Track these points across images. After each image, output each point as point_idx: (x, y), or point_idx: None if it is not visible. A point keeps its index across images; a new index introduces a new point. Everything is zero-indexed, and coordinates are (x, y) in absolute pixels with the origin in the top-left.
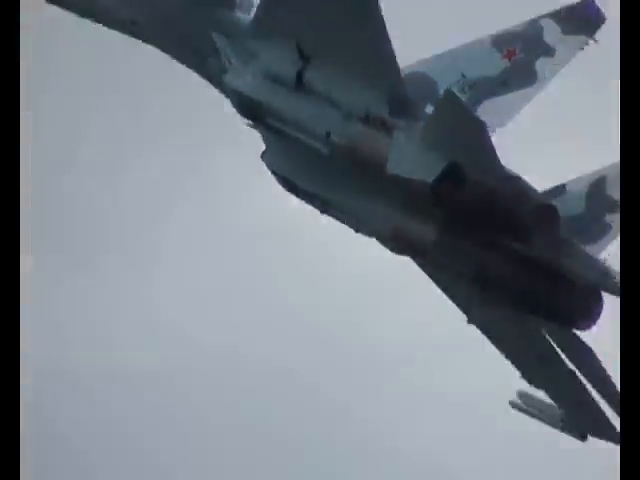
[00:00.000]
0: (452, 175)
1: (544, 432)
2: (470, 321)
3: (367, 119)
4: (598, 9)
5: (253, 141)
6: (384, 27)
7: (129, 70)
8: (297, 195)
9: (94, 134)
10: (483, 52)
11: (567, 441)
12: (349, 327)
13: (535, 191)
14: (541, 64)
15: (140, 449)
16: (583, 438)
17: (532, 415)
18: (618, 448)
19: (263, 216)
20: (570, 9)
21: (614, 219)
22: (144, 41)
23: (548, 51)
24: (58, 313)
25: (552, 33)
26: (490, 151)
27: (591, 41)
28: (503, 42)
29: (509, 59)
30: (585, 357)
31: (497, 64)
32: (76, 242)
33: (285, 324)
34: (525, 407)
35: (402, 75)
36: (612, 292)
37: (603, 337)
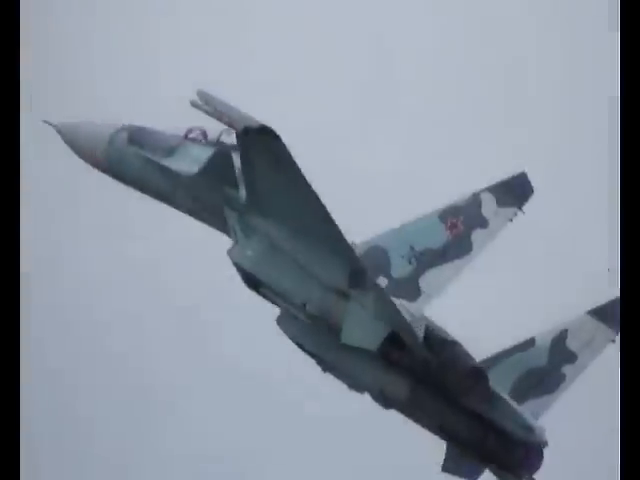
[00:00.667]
0: (394, 342)
1: None
2: (443, 469)
3: (334, 291)
4: (529, 181)
5: None
6: (333, 221)
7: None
8: (311, 357)
9: None
10: (430, 225)
11: None
12: None
13: (467, 355)
14: (476, 235)
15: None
16: None
17: None
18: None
19: None
20: (505, 183)
21: (569, 370)
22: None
23: (483, 223)
24: None
25: (489, 205)
26: (409, 327)
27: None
28: (448, 215)
29: (451, 232)
30: None
31: (441, 237)
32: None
33: None
34: None
35: (359, 250)
36: (539, 445)
37: None
